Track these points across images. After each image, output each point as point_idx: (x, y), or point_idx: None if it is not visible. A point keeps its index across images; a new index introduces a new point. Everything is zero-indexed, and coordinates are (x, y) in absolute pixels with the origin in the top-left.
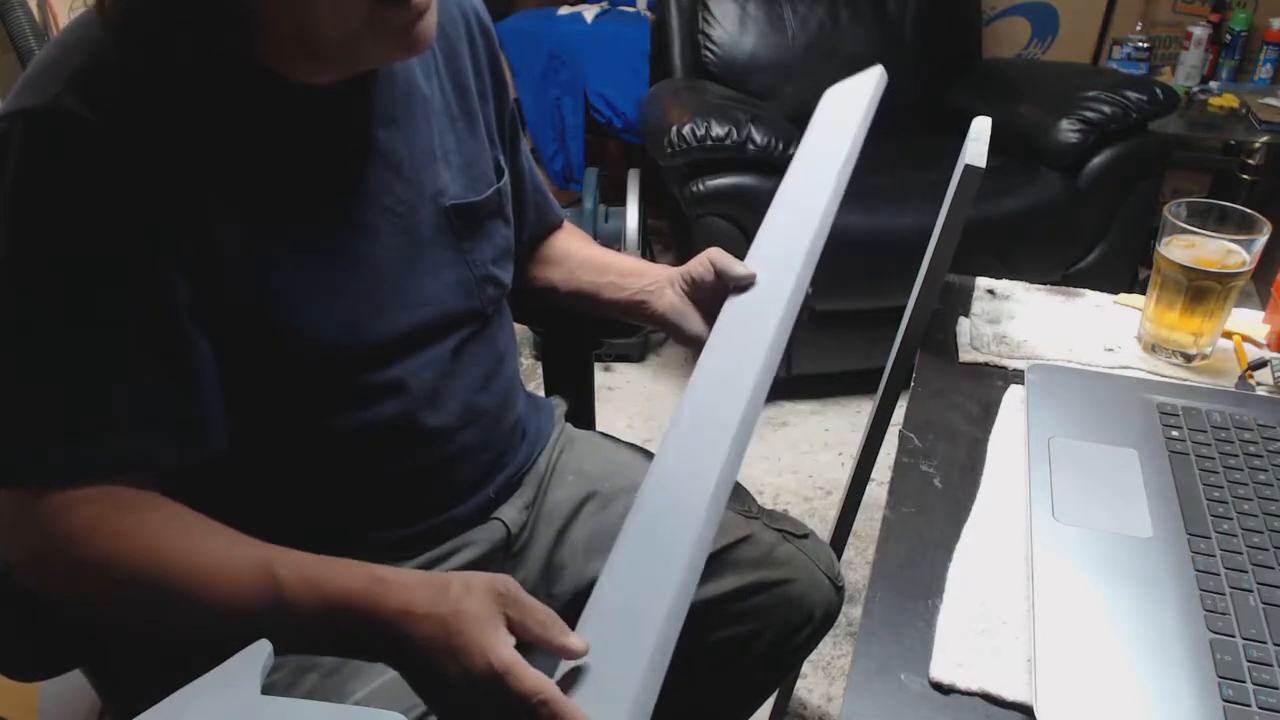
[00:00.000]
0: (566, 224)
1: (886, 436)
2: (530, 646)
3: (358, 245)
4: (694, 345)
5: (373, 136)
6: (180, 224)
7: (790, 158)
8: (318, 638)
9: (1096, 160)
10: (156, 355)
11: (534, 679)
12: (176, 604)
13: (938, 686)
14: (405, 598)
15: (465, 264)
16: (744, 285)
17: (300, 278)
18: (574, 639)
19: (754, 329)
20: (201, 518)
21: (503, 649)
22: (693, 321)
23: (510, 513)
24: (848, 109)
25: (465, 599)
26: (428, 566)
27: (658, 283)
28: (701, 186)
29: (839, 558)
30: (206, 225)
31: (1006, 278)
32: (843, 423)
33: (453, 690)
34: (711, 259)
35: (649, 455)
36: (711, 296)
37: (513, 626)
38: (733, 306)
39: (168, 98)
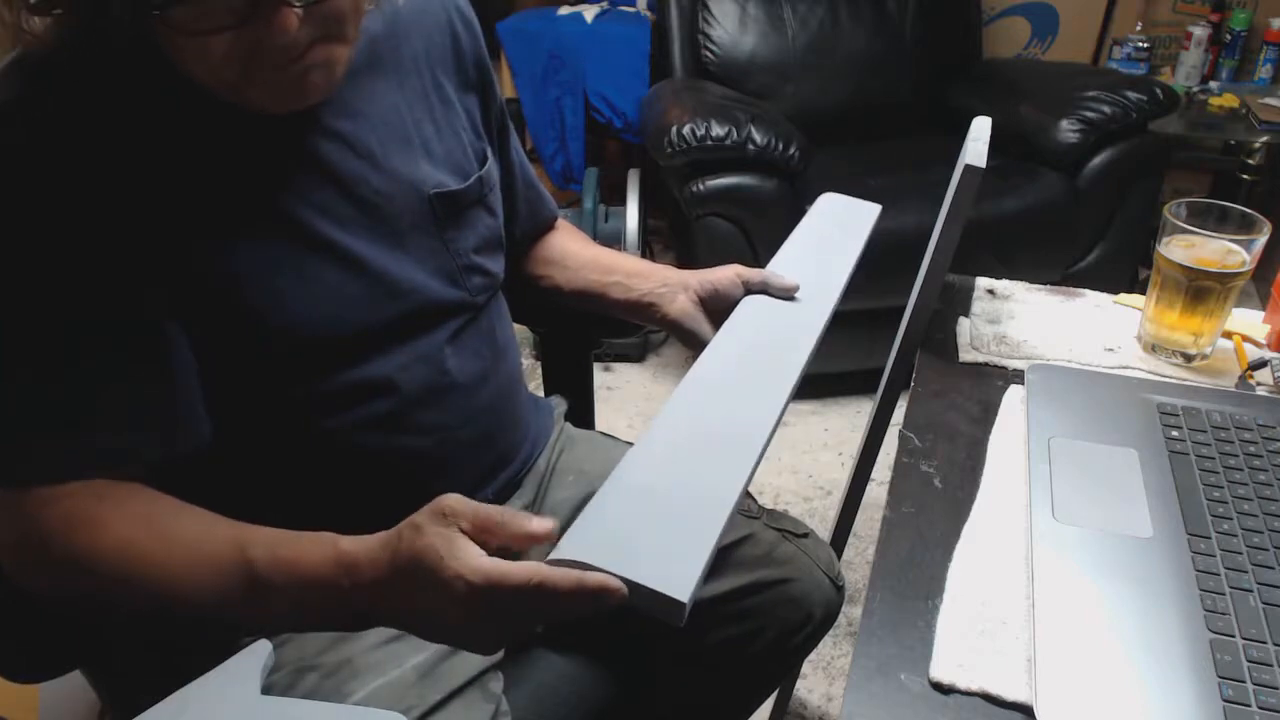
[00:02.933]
0: (565, 224)
1: (886, 436)
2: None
3: (333, 236)
4: (698, 350)
5: (335, 129)
6: (147, 221)
7: (791, 158)
8: (298, 619)
9: (1096, 160)
10: (132, 352)
11: (518, 573)
12: (152, 598)
13: (938, 686)
14: (372, 570)
15: (448, 253)
16: (787, 297)
17: (275, 271)
18: (537, 521)
19: (791, 330)
20: (177, 505)
21: (475, 562)
22: (706, 329)
23: None
24: (852, 224)
25: (417, 539)
26: None
27: (669, 286)
28: (701, 186)
29: (839, 557)
30: (175, 221)
31: (1006, 278)
32: (843, 423)
33: (458, 627)
34: (741, 275)
35: None
36: (730, 309)
37: (474, 537)
38: (757, 300)
39: (126, 95)
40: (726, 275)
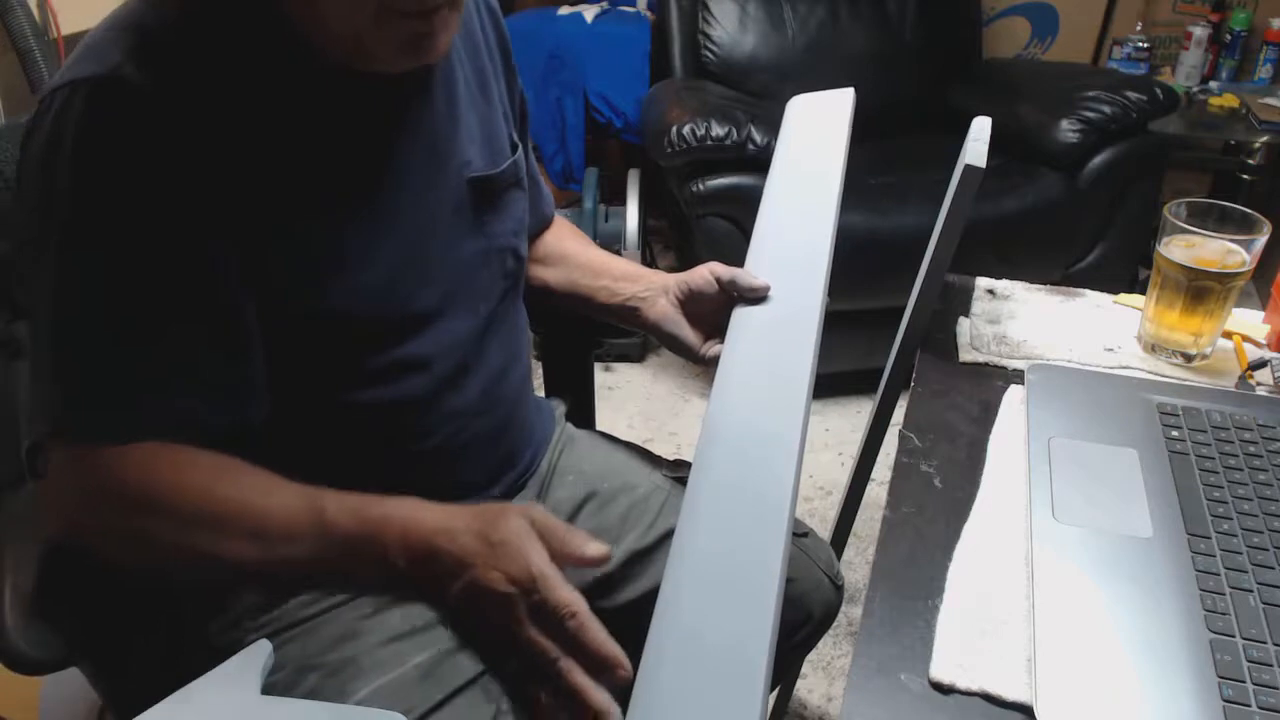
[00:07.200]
0: (568, 225)
1: (886, 436)
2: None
3: (391, 217)
4: (685, 355)
5: (407, 111)
6: (231, 192)
7: None
8: (356, 565)
9: (1096, 160)
10: (209, 319)
11: (567, 592)
12: (230, 532)
13: (938, 686)
14: (443, 517)
15: (485, 236)
16: (757, 298)
17: (338, 247)
18: (593, 546)
19: (790, 340)
20: (247, 463)
21: (539, 558)
22: (686, 331)
23: None
24: (828, 128)
25: (502, 514)
26: None
27: (651, 289)
28: (701, 186)
29: (839, 557)
30: (255, 194)
31: (1006, 278)
32: (843, 423)
33: (490, 603)
34: (714, 273)
35: (649, 455)
36: (710, 309)
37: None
38: (749, 317)
39: (217, 71)
40: (701, 274)
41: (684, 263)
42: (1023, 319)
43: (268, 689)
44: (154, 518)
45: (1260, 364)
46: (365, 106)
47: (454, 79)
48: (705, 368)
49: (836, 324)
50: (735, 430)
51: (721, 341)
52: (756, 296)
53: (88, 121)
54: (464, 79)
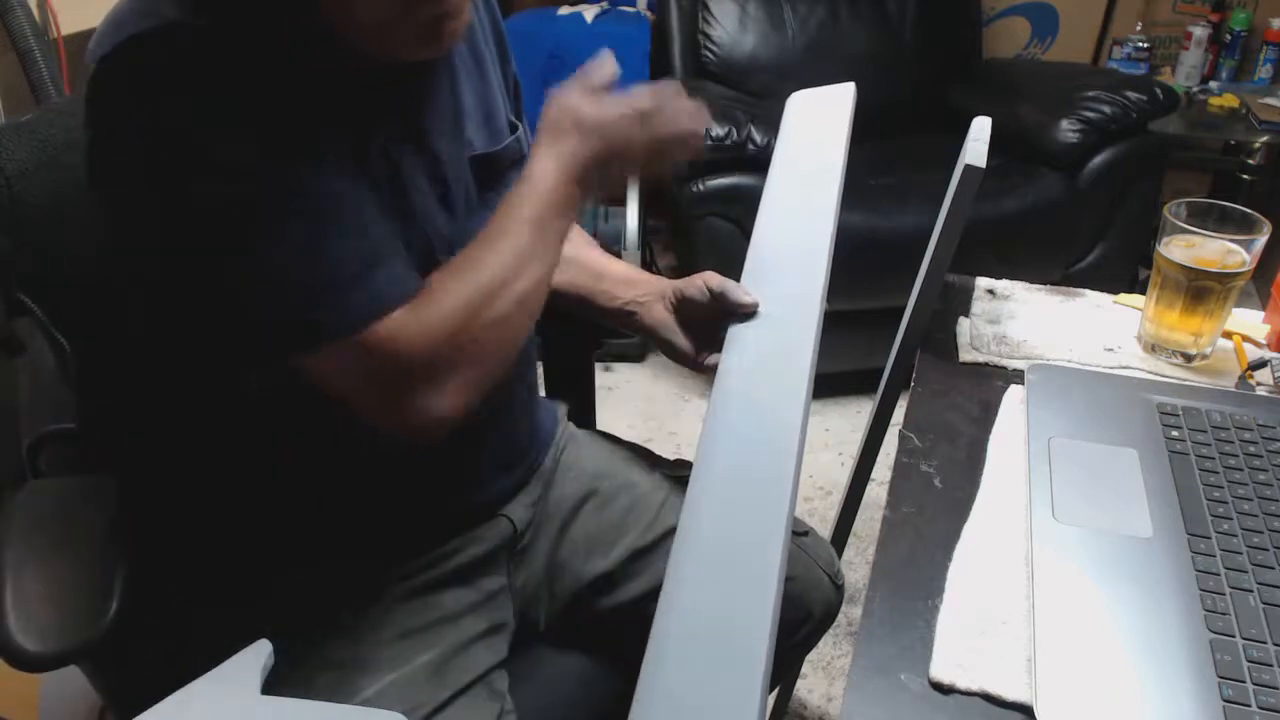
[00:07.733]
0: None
1: (886, 436)
2: None
3: (419, 200)
4: (680, 360)
5: (434, 95)
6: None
7: None
8: (570, 208)
9: (1096, 160)
10: (364, 207)
11: (635, 106)
12: (511, 280)
13: (938, 686)
14: (555, 146)
15: (490, 211)
16: (744, 314)
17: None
18: (601, 65)
19: (789, 339)
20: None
21: (614, 107)
22: (679, 338)
23: (517, 510)
24: (828, 125)
25: (570, 108)
26: (433, 564)
27: (649, 295)
28: (701, 186)
29: (839, 557)
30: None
31: (1006, 278)
32: (843, 423)
33: (622, 151)
34: (708, 283)
35: (648, 454)
36: (702, 318)
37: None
38: (747, 330)
39: (258, 40)
40: (695, 283)
41: (683, 263)
42: (1023, 319)
43: (276, 687)
44: (463, 322)
45: (1260, 364)
46: (387, 93)
47: (453, 60)
48: (703, 374)
49: (836, 324)
50: (735, 429)
51: (719, 352)
52: (744, 312)
53: (162, 75)
54: (461, 61)
